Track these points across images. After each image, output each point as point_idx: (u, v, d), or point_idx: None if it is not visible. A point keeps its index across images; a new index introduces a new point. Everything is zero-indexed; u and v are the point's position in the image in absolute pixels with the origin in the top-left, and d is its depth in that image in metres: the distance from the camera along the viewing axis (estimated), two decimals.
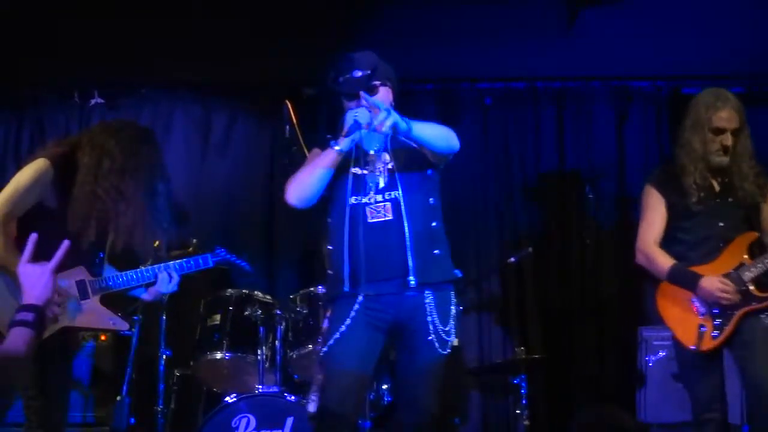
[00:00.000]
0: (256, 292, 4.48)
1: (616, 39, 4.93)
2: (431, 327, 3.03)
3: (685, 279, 3.45)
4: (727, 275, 3.41)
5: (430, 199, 3.16)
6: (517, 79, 5.52)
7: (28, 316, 2.18)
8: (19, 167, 3.18)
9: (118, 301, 3.40)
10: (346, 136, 3.03)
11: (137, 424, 4.45)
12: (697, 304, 3.46)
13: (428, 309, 3.04)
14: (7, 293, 3.01)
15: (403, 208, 3.05)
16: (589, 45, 4.95)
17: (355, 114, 2.99)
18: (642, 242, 3.59)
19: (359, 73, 3.11)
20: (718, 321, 3.40)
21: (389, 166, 3.13)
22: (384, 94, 3.16)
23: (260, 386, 4.16)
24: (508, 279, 5.37)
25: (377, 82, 3.15)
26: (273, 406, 3.97)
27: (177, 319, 4.62)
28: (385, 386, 4.40)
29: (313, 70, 4.47)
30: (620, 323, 5.19)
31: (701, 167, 3.49)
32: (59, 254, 2.28)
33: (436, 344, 3.04)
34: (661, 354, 4.62)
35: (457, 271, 3.17)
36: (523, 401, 4.53)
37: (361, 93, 2.97)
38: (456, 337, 3.16)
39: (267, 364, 4.29)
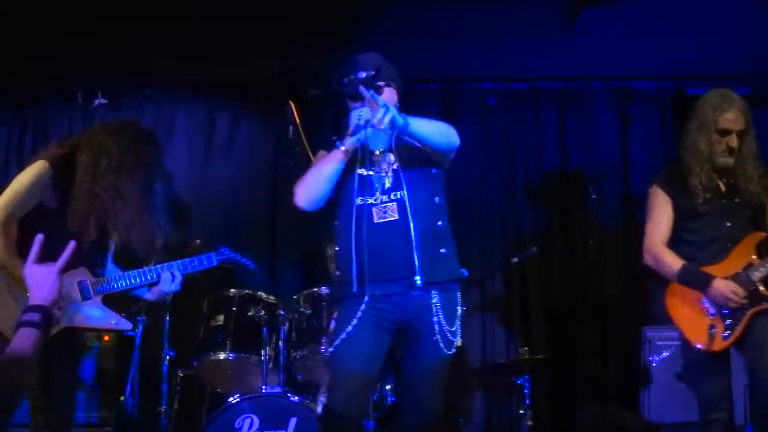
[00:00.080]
0: (259, 293, 4.47)
1: (618, 39, 4.92)
2: (437, 327, 3.03)
3: (696, 279, 3.45)
4: (736, 275, 3.41)
5: (436, 198, 3.16)
6: (518, 80, 5.52)
7: (35, 317, 2.18)
8: (21, 168, 3.20)
9: (121, 301, 3.40)
10: (351, 135, 3.04)
11: (141, 425, 4.47)
12: (707, 304, 3.45)
13: (434, 309, 3.04)
14: (7, 295, 3.01)
15: (408, 207, 3.05)
16: (590, 45, 4.94)
17: (359, 113, 3.00)
18: (650, 243, 3.59)
19: (363, 74, 3.13)
20: (728, 321, 3.40)
21: (394, 166, 3.14)
22: (388, 95, 3.17)
23: (264, 387, 4.15)
24: (511, 279, 5.37)
25: (381, 83, 3.16)
26: (276, 407, 3.95)
27: (180, 319, 4.62)
28: (388, 386, 4.39)
29: (317, 70, 4.56)
30: (624, 323, 5.19)
31: (707, 168, 3.49)
32: (66, 255, 2.29)
33: (442, 344, 3.04)
34: (665, 354, 4.62)
35: (463, 270, 3.18)
36: (527, 401, 4.52)
37: (361, 88, 2.98)
38: (460, 337, 3.15)
39: (270, 365, 4.28)
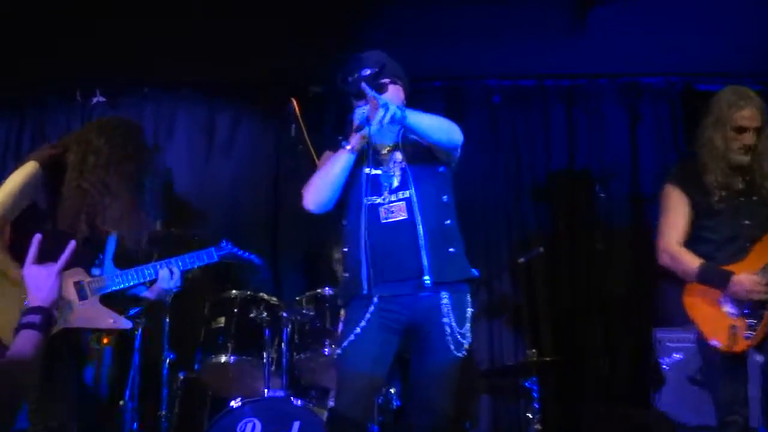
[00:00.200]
0: (261, 294, 4.45)
1: (627, 35, 4.90)
2: (448, 329, 3.01)
3: (715, 277, 3.41)
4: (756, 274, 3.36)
5: (444, 197, 3.15)
6: (525, 77, 5.50)
7: (36, 319, 2.17)
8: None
9: (119, 301, 3.38)
10: (355, 134, 3.04)
11: (141, 429, 4.41)
12: (727, 304, 3.41)
13: (445, 310, 3.02)
14: (2, 298, 2.99)
15: (416, 206, 3.04)
16: (598, 41, 4.92)
17: (362, 112, 3.01)
18: (666, 242, 3.55)
19: (368, 72, 3.11)
20: (751, 321, 3.36)
21: (402, 164, 3.13)
22: (393, 92, 3.16)
23: (266, 390, 4.12)
24: (518, 280, 5.34)
25: (386, 80, 3.15)
26: (279, 411, 3.91)
27: (181, 321, 4.59)
28: (393, 390, 4.35)
29: (319, 68, 4.52)
30: (633, 324, 5.15)
31: (723, 165, 3.47)
32: (66, 255, 2.28)
33: (452, 346, 3.01)
34: (676, 356, 4.60)
35: (474, 270, 3.16)
36: (535, 404, 4.50)
37: (363, 85, 2.96)
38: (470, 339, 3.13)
39: (273, 368, 4.24)
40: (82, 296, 3.21)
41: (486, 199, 5.42)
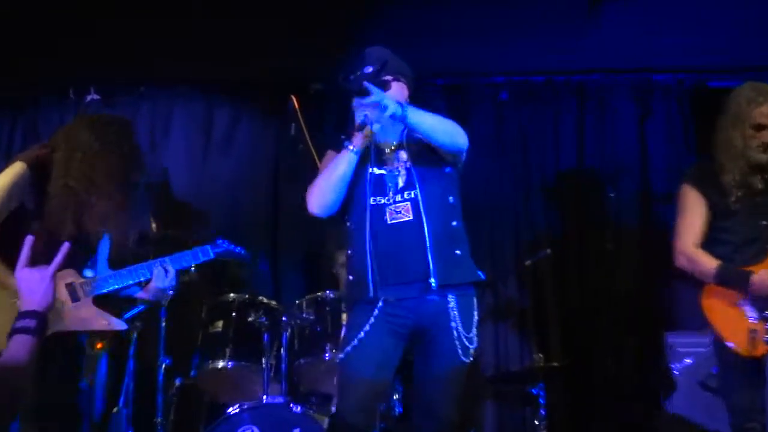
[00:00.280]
0: (260, 297, 4.41)
1: (638, 30, 4.84)
2: (455, 333, 2.99)
3: (735, 278, 3.37)
4: None
5: (450, 198, 3.12)
6: (534, 73, 5.45)
7: (30, 323, 2.15)
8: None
9: (114, 303, 3.36)
10: (357, 133, 3.03)
11: None
12: (747, 307, 3.37)
13: (452, 314, 3.00)
14: None
15: (421, 206, 3.02)
16: (610, 36, 4.87)
17: (363, 110, 2.98)
18: (683, 244, 3.51)
19: (370, 69, 3.09)
20: None
21: (407, 164, 3.12)
22: (397, 90, 3.13)
23: (265, 396, 4.05)
24: (525, 282, 5.29)
25: (389, 77, 3.12)
26: (278, 418, 3.87)
27: (177, 325, 4.53)
28: (396, 396, 4.29)
29: (320, 65, 4.55)
30: (643, 328, 5.09)
31: (741, 164, 3.43)
32: (59, 257, 2.26)
33: (459, 351, 2.99)
34: (687, 361, 4.55)
35: (480, 273, 3.12)
36: (542, 412, 4.47)
37: (365, 83, 2.94)
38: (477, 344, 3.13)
39: (272, 373, 4.20)
40: (74, 298, 3.19)
41: (492, 200, 5.36)
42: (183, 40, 4.85)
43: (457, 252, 3.05)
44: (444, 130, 3.08)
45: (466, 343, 2.99)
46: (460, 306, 3.01)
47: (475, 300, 3.10)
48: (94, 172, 3.14)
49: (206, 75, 5.35)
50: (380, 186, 3.08)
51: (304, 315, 4.29)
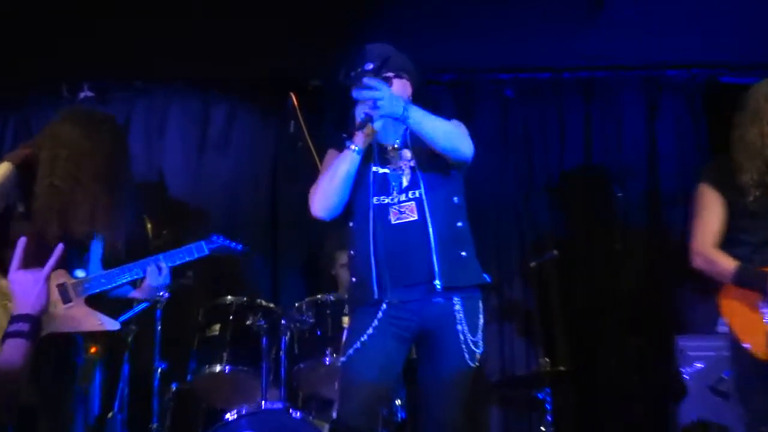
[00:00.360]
0: (258, 300, 4.37)
1: (647, 25, 4.80)
2: (461, 336, 2.96)
3: (754, 279, 3.29)
4: None
5: (455, 198, 3.09)
6: (541, 69, 5.40)
7: (24, 327, 2.15)
8: None
9: (108, 303, 3.37)
10: (357, 131, 3.00)
11: None
12: (766, 309, 3.29)
13: (458, 317, 2.96)
14: None
15: (426, 207, 2.99)
16: (618, 32, 4.84)
17: (362, 109, 2.96)
18: (699, 244, 3.44)
19: (371, 65, 3.05)
20: None
21: (411, 163, 3.08)
22: (399, 87, 3.10)
23: (263, 402, 4.00)
24: (530, 284, 5.25)
25: (390, 74, 3.09)
26: (277, 423, 3.85)
27: (173, 329, 4.46)
28: (398, 401, 4.24)
29: (320, 63, 4.50)
30: (653, 331, 5.04)
31: (759, 163, 3.35)
32: (53, 260, 2.26)
33: (466, 355, 2.96)
34: (698, 365, 4.52)
35: (486, 276, 3.09)
36: (548, 417, 4.42)
37: (365, 80, 2.90)
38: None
39: (270, 378, 4.17)
40: (66, 299, 3.19)
41: (496, 199, 5.32)
42: (180, 37, 4.82)
43: (463, 254, 3.02)
44: (447, 136, 3.02)
45: (473, 347, 2.96)
46: (466, 309, 2.97)
47: (480, 303, 3.05)
48: (80, 171, 3.14)
49: (203, 73, 5.31)
50: (384, 185, 3.04)
51: (303, 318, 4.23)
